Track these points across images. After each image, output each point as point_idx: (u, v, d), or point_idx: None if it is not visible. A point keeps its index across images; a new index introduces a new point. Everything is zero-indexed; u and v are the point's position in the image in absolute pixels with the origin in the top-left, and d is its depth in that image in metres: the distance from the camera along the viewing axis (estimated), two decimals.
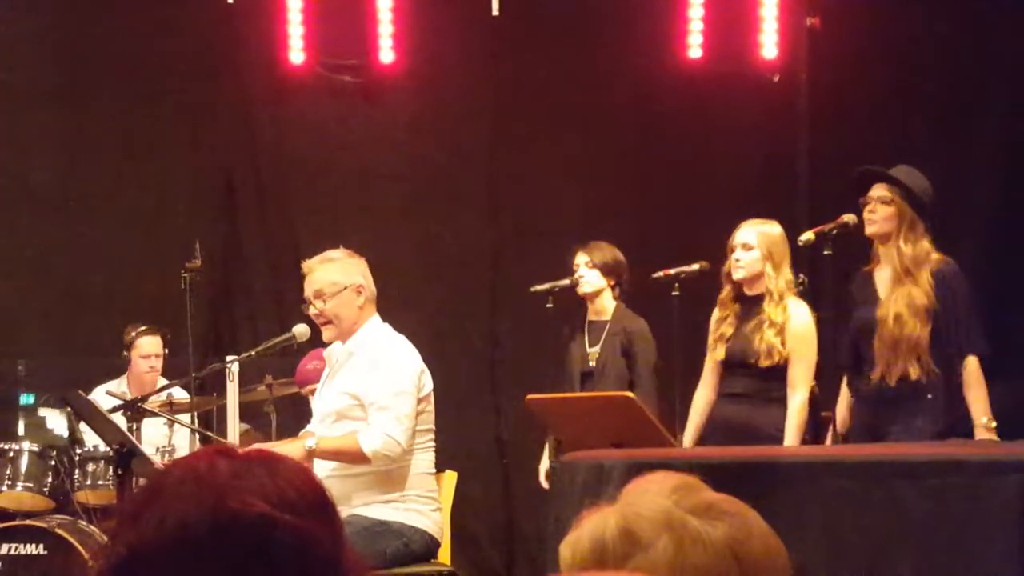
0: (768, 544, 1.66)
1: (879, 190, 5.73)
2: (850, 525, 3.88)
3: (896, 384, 5.61)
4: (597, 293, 6.71)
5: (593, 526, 1.63)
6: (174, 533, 1.44)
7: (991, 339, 5.76)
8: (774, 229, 6.07)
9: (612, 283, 6.72)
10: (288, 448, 5.23)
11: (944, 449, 4.83)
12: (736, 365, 6.02)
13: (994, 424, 5.48)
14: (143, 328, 7.47)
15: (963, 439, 5.45)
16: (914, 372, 5.57)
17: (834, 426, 5.80)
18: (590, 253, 6.71)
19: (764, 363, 5.89)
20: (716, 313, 6.15)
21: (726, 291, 6.07)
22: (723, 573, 1.59)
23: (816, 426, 6.07)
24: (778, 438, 5.86)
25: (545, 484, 6.54)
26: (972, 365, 5.56)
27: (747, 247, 6.00)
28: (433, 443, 5.65)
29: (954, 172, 7.55)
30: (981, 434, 5.46)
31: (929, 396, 5.59)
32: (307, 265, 5.68)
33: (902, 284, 5.63)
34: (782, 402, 5.91)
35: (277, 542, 1.44)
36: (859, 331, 5.78)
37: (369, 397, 5.45)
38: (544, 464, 6.65)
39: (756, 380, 5.98)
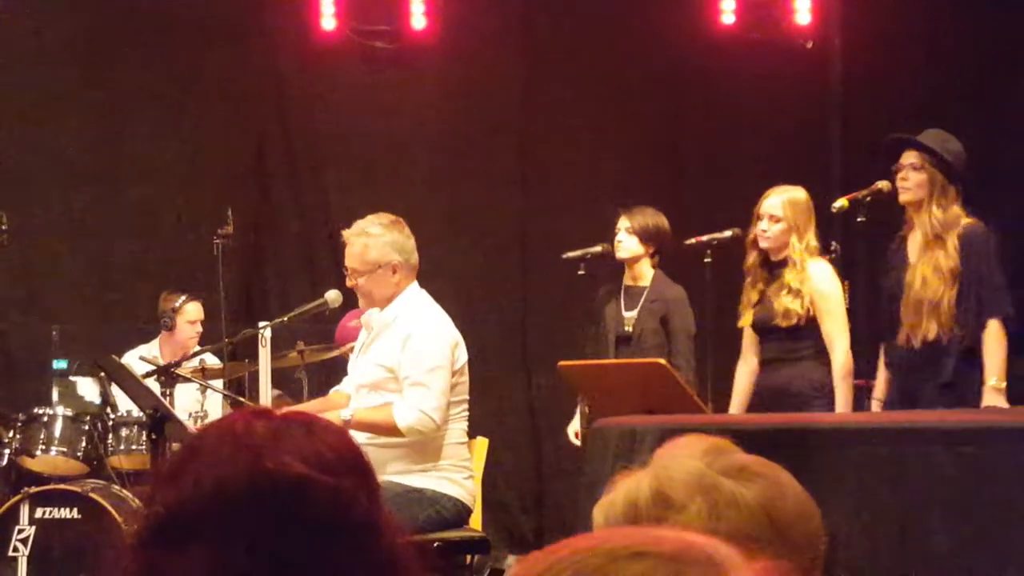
0: (801, 505, 1.66)
1: (910, 157, 5.68)
2: (884, 491, 3.87)
3: (920, 347, 5.59)
4: (635, 259, 6.67)
5: (626, 490, 1.64)
6: (211, 493, 1.45)
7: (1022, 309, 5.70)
8: (799, 195, 5.99)
9: (651, 250, 6.67)
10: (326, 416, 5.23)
11: (979, 416, 4.81)
12: (764, 331, 6.01)
13: (1003, 385, 5.42)
14: (188, 295, 7.50)
15: (959, 400, 5.40)
16: (932, 332, 5.54)
17: (872, 394, 5.79)
18: (632, 218, 6.66)
19: (783, 323, 5.87)
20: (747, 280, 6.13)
21: (752, 258, 6.02)
22: (757, 534, 1.59)
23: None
24: (817, 396, 5.83)
25: (576, 441, 6.56)
26: (992, 327, 5.50)
27: (774, 219, 5.93)
28: (467, 413, 5.65)
29: (988, 138, 7.50)
30: (989, 395, 5.40)
31: (949, 358, 5.56)
32: (346, 235, 5.66)
33: (931, 249, 5.60)
34: (814, 359, 5.87)
35: (314, 502, 1.45)
36: (890, 297, 5.76)
37: (403, 371, 5.45)
38: (573, 426, 6.66)
39: (784, 342, 5.95)
